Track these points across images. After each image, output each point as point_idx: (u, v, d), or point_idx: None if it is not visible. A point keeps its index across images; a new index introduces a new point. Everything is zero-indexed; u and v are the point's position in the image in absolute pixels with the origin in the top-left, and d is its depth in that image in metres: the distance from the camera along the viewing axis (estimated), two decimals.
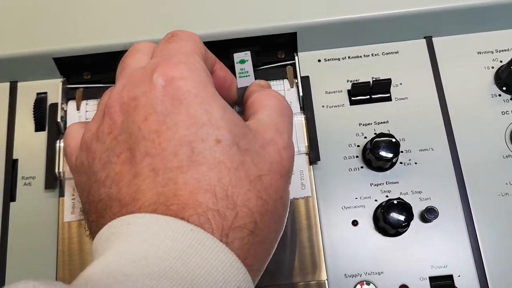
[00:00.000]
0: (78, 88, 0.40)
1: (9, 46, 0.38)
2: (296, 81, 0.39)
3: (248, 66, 0.38)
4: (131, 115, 0.25)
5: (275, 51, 0.41)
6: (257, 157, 0.25)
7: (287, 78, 0.40)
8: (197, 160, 0.24)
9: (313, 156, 0.37)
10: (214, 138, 0.24)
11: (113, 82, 0.37)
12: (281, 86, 0.40)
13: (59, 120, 0.38)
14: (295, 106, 0.39)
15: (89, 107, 0.39)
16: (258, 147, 0.26)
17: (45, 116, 0.39)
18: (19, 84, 0.40)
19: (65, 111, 0.39)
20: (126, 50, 0.38)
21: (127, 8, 0.40)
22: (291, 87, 0.40)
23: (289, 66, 0.40)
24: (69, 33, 0.39)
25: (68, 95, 0.40)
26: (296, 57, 0.40)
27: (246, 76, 0.38)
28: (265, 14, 0.39)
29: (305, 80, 0.39)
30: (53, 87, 0.40)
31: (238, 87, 0.37)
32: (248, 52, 0.39)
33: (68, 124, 0.38)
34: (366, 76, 0.40)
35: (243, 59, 0.39)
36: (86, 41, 0.39)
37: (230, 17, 0.39)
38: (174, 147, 0.24)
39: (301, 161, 0.37)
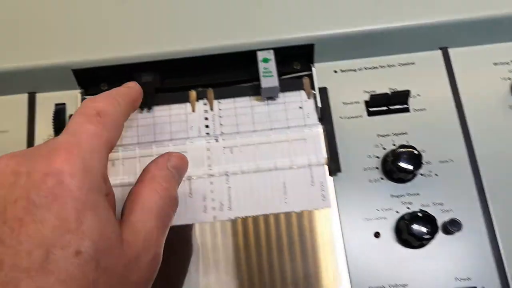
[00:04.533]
0: None
1: (28, 58, 0.38)
2: (314, 92, 0.39)
3: (272, 65, 0.39)
4: (5, 188, 0.24)
5: (290, 62, 0.41)
6: (115, 278, 0.24)
7: (303, 89, 0.40)
8: (48, 268, 0.22)
9: (334, 167, 0.37)
10: (74, 249, 0.23)
11: None
12: (297, 97, 0.40)
13: None
14: (313, 117, 0.39)
15: None
16: (121, 267, 0.25)
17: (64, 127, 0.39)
18: (37, 95, 0.40)
19: None
20: (144, 62, 0.39)
21: (146, 20, 0.40)
22: (308, 98, 0.40)
23: (306, 77, 0.41)
24: (88, 44, 0.39)
25: None
26: (312, 68, 0.40)
27: (270, 76, 0.38)
28: (282, 25, 0.39)
29: (323, 91, 0.39)
30: (72, 98, 0.40)
31: (262, 86, 0.37)
32: (271, 51, 0.39)
33: None
34: (382, 87, 0.40)
35: (267, 57, 0.39)
36: (105, 53, 0.39)
37: (246, 28, 0.40)
38: (31, 245, 0.22)
39: (320, 172, 0.37)
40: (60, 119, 0.39)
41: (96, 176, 0.26)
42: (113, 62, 0.39)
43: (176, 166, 0.31)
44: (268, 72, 0.38)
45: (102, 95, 0.30)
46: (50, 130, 0.39)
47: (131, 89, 0.34)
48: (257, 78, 0.40)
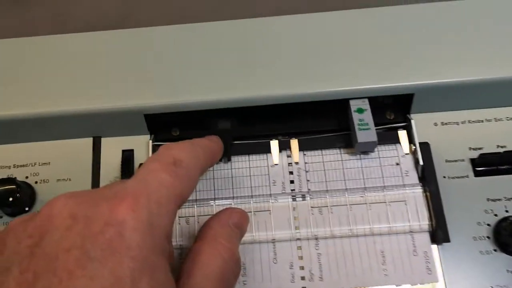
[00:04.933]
0: None
1: (96, 100, 0.35)
2: (414, 147, 0.35)
3: (368, 116, 0.34)
4: (60, 232, 0.21)
5: (382, 111, 0.37)
6: None
7: (399, 143, 0.36)
8: None
9: (441, 236, 0.32)
10: None
11: None
12: (393, 152, 0.35)
13: None
14: (412, 176, 0.35)
15: None
16: None
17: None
18: (103, 139, 0.37)
19: None
20: (222, 109, 0.35)
21: (224, 63, 0.37)
22: (406, 153, 0.35)
23: (402, 130, 0.36)
24: (161, 88, 0.35)
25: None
26: (411, 120, 0.36)
27: (367, 129, 0.34)
28: (377, 73, 0.35)
29: (425, 147, 0.35)
30: (139, 144, 0.36)
31: (359, 141, 0.33)
32: (366, 100, 0.35)
33: None
34: (489, 143, 0.36)
35: (361, 107, 0.35)
36: (179, 97, 0.35)
37: (337, 75, 0.36)
38: None
39: (423, 240, 0.33)
40: (128, 166, 0.35)
41: (160, 234, 0.23)
42: (188, 108, 0.35)
43: (239, 224, 0.29)
44: (364, 125, 0.34)
45: (181, 143, 0.27)
46: (116, 178, 0.35)
47: (213, 143, 0.31)
48: (347, 128, 0.36)
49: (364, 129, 0.34)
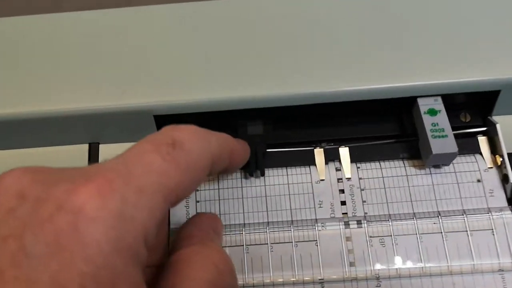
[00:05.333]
0: None
1: (93, 99, 0.27)
2: (500, 159, 0.27)
3: (443, 120, 0.26)
4: (1, 213, 0.16)
5: (455, 113, 0.29)
6: None
7: (480, 153, 0.28)
8: None
9: None
10: None
11: None
12: (473, 165, 0.28)
13: None
14: (499, 196, 0.27)
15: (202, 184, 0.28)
16: None
17: None
18: (101, 146, 0.29)
19: None
20: (250, 109, 0.27)
21: (251, 53, 0.29)
22: (489, 167, 0.28)
23: (481, 135, 0.28)
24: (175, 84, 0.28)
25: None
26: (496, 124, 0.28)
27: (442, 136, 0.26)
28: (457, 65, 0.27)
29: None
30: None
31: (434, 153, 0.25)
32: (439, 98, 0.27)
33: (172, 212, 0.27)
34: None
35: (433, 108, 0.27)
36: (197, 95, 0.27)
37: (400, 67, 0.28)
38: None
39: None
40: None
41: (134, 231, 0.16)
42: (209, 108, 0.27)
43: (218, 230, 0.24)
44: (439, 131, 0.26)
45: (191, 126, 0.20)
46: None
47: (237, 141, 0.24)
48: (412, 133, 0.28)
49: (439, 136, 0.26)
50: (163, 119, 0.27)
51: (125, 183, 0.17)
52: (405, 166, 0.28)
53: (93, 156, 0.28)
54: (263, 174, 0.27)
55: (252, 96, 0.27)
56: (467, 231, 0.26)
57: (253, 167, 0.27)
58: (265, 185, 0.28)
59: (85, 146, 0.29)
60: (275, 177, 0.28)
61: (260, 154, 0.27)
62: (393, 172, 0.28)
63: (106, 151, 0.29)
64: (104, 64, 0.28)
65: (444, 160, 0.27)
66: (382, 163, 0.28)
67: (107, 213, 0.16)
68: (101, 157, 0.29)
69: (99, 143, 0.29)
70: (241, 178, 0.28)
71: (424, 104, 0.27)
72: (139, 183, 0.17)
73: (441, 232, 0.26)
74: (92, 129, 0.28)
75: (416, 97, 0.27)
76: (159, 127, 0.28)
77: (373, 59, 0.28)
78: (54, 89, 0.28)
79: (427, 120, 0.27)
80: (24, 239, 0.15)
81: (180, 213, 0.27)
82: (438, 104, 0.27)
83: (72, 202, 0.15)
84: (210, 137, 0.21)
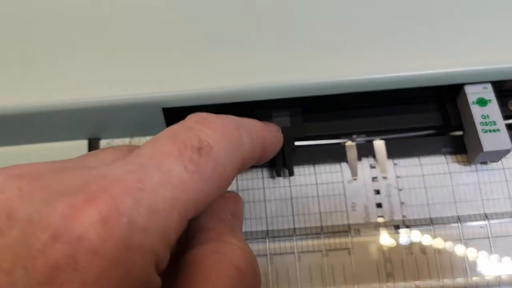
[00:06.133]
0: None
1: (94, 90, 0.23)
2: None
3: (494, 111, 0.23)
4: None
5: (503, 100, 0.26)
6: None
7: None
8: None
9: None
10: None
11: None
12: (438, 167, 0.24)
13: None
14: None
15: None
16: None
17: None
18: (102, 142, 0.25)
19: None
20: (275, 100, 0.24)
21: (255, 45, 0.25)
22: None
23: None
24: (186, 71, 0.24)
25: None
26: None
27: (494, 130, 0.23)
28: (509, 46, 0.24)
29: None
30: None
31: (484, 150, 0.22)
32: (489, 85, 0.24)
33: None
34: None
35: (483, 97, 0.24)
36: (213, 84, 0.24)
37: (443, 50, 0.24)
38: None
39: None
40: None
41: (143, 262, 0.14)
42: (228, 98, 0.24)
43: (236, 212, 0.20)
44: (490, 124, 0.23)
45: (221, 119, 0.18)
46: None
47: (269, 131, 0.21)
48: (455, 125, 0.25)
49: (490, 130, 0.23)
50: (174, 112, 0.24)
51: (134, 202, 0.14)
52: (447, 163, 0.25)
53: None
54: (292, 174, 0.24)
55: (277, 85, 0.23)
56: None
57: (281, 166, 0.24)
58: (290, 186, 0.24)
59: (84, 142, 0.25)
60: (302, 176, 0.25)
61: (288, 150, 0.24)
62: (434, 170, 0.24)
63: (107, 146, 0.25)
64: (105, 49, 0.24)
65: (494, 157, 0.24)
66: (422, 159, 0.25)
67: (111, 244, 0.13)
68: None
69: (100, 139, 0.25)
70: (262, 178, 0.25)
71: (472, 93, 0.24)
72: (152, 200, 0.14)
73: (489, 237, 0.23)
74: (92, 123, 0.24)
75: (462, 84, 0.24)
76: (168, 121, 0.25)
77: (411, 41, 0.24)
78: (49, 78, 0.24)
79: (476, 112, 0.23)
80: (14, 274, 0.12)
81: None
82: (488, 92, 0.24)
83: (70, 230, 0.13)
84: (241, 134, 0.18)
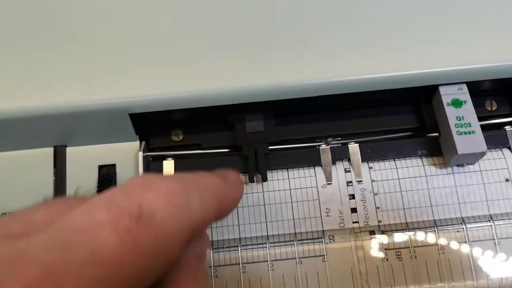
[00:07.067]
0: (164, 157, 0.24)
1: (57, 95, 0.22)
2: None
3: (469, 112, 0.23)
4: None
5: (479, 100, 0.25)
6: None
7: (509, 147, 0.24)
8: None
9: None
10: None
11: (220, 145, 0.24)
12: (501, 162, 0.24)
13: None
14: None
15: None
16: None
17: None
18: (68, 149, 0.25)
19: None
20: (247, 104, 0.23)
21: (227, 47, 0.24)
22: None
23: (511, 127, 0.25)
24: (154, 75, 0.23)
25: (152, 171, 0.24)
26: None
27: (469, 132, 0.22)
28: (485, 46, 0.23)
29: None
30: (124, 155, 0.24)
31: (459, 152, 0.22)
32: (464, 86, 0.23)
33: None
34: None
35: (458, 98, 0.23)
36: (182, 86, 0.23)
37: (422, 50, 0.24)
38: None
39: None
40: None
41: None
42: (199, 103, 0.23)
43: (200, 254, 0.17)
44: (465, 126, 0.22)
45: (168, 180, 0.15)
46: None
47: (228, 183, 0.18)
48: (431, 127, 0.24)
49: (465, 132, 0.22)
50: (141, 118, 0.23)
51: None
52: (424, 165, 0.24)
53: (59, 161, 0.24)
54: (265, 179, 0.23)
55: (249, 88, 0.23)
56: (494, 239, 0.23)
57: (254, 171, 0.23)
58: (263, 191, 0.24)
59: (50, 150, 0.24)
60: (275, 182, 0.24)
61: (262, 155, 0.23)
62: (410, 173, 0.24)
63: (75, 154, 0.24)
64: (69, 51, 0.24)
65: (469, 159, 0.23)
66: (397, 162, 0.24)
67: None
68: (69, 162, 0.24)
69: (66, 146, 0.24)
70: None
71: (447, 94, 0.23)
72: (77, 283, 0.12)
73: (466, 242, 0.23)
74: (57, 130, 0.24)
75: (437, 85, 0.23)
76: (137, 127, 0.24)
77: (385, 43, 0.24)
78: (11, 85, 0.23)
79: (451, 113, 0.23)
80: None
81: None
82: (463, 93, 0.23)
83: None
84: (190, 198, 0.15)
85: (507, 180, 0.24)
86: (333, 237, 0.23)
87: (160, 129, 0.25)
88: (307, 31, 0.24)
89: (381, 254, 0.23)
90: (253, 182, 0.23)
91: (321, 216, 0.23)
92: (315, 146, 0.24)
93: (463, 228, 0.23)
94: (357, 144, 0.24)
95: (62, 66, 0.24)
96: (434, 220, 0.23)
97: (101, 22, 0.25)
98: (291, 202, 0.24)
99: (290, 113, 0.25)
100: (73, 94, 0.23)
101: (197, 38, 0.24)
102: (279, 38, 0.24)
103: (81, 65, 0.24)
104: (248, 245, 0.23)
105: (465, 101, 0.23)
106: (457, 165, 0.24)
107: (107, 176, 0.24)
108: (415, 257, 0.23)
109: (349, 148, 0.24)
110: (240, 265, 0.22)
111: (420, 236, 0.23)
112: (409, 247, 0.23)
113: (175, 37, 0.24)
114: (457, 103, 0.23)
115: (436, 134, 0.24)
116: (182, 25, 0.25)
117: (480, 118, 0.24)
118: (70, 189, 0.24)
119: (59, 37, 0.25)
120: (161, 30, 0.25)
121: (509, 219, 0.23)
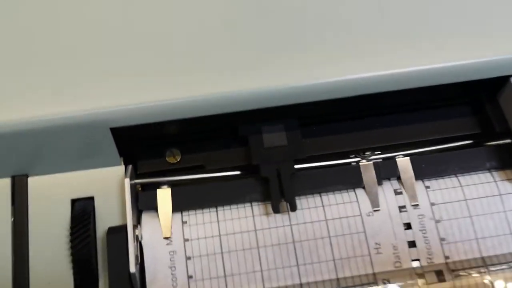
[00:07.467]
0: (158, 185, 0.19)
1: (25, 108, 0.17)
2: None
3: None
4: None
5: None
6: None
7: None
8: None
9: None
10: None
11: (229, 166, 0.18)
12: (485, 188, 0.19)
13: (133, 269, 0.16)
14: None
15: (193, 229, 0.18)
16: None
17: (94, 255, 0.17)
18: (30, 180, 0.19)
19: (140, 243, 0.17)
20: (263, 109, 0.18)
21: (228, 43, 0.19)
22: None
23: None
24: (132, 87, 0.18)
25: (143, 203, 0.18)
26: None
27: None
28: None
29: None
30: (104, 185, 0.19)
31: None
32: None
33: (149, 276, 0.17)
34: None
35: None
36: (177, 93, 0.18)
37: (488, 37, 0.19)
38: None
39: None
40: (86, 231, 0.18)
41: None
42: (199, 111, 0.17)
43: None
44: None
45: None
46: (61, 254, 0.18)
47: None
48: (500, 131, 0.19)
49: None
50: (126, 134, 0.17)
51: None
52: (496, 181, 0.19)
53: (19, 194, 0.18)
54: (294, 209, 0.18)
55: (266, 89, 0.17)
56: None
57: (278, 198, 0.18)
58: (291, 225, 0.18)
59: (7, 181, 0.18)
60: (306, 211, 0.18)
61: (287, 177, 0.18)
62: (480, 191, 0.18)
63: (40, 186, 0.18)
64: (37, 57, 0.18)
65: None
66: (461, 178, 0.19)
67: None
68: (31, 195, 0.18)
69: (27, 175, 0.18)
70: (253, 216, 0.18)
71: None
72: None
73: None
74: (16, 154, 0.18)
75: (508, 76, 0.18)
76: (120, 147, 0.18)
77: (437, 28, 0.19)
78: None
79: None
80: None
81: (163, 279, 0.17)
82: None
83: None
84: None
85: None
86: (388, 281, 0.17)
87: (150, 148, 0.19)
88: (340, 21, 0.19)
89: None
90: (278, 212, 0.18)
91: (369, 254, 0.18)
92: (353, 163, 0.19)
93: None
94: (408, 158, 0.19)
95: (22, 73, 0.18)
96: None
97: (76, 31, 0.20)
98: (329, 237, 0.18)
99: (318, 120, 0.20)
100: (36, 105, 0.17)
101: (194, 31, 0.19)
102: (303, 30, 0.19)
103: (47, 70, 0.18)
104: None
105: None
106: None
107: (82, 213, 0.18)
108: None
109: (398, 163, 0.19)
110: None
111: (503, 274, 0.17)
112: None
113: (165, 32, 0.19)
114: None
115: (508, 140, 0.19)
116: (165, 36, 0.20)
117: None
118: (33, 233, 0.18)
119: (18, 39, 0.19)
120: (147, 25, 0.19)
121: None
